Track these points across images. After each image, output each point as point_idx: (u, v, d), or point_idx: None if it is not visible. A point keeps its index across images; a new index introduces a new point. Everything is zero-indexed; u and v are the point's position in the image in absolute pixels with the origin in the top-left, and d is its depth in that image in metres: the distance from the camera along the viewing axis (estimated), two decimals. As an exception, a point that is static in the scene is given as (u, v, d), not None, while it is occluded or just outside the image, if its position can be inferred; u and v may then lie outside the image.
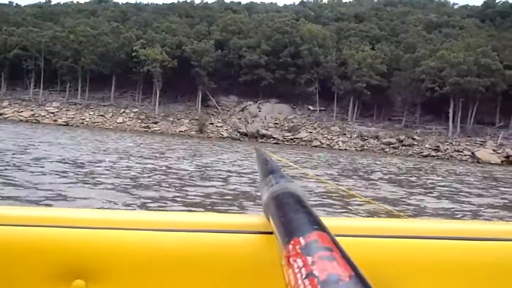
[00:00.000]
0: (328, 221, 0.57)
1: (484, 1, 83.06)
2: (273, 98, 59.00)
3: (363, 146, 50.51)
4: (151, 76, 57.01)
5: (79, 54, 58.56)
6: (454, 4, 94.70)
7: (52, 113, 55.89)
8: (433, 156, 47.15)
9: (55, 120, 53.48)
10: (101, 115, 56.68)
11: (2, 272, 0.69)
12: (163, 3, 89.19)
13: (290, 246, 0.39)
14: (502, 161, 44.02)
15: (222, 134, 53.90)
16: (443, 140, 50.69)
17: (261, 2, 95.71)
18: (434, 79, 51.83)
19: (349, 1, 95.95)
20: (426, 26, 69.34)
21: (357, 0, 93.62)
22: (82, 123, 54.04)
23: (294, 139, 52.72)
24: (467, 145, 49.03)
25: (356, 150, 48.80)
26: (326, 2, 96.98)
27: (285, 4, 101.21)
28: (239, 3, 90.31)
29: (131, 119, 56.16)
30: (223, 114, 58.95)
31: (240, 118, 57.17)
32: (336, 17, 77.72)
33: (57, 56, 59.67)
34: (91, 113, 57.06)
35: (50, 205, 6.47)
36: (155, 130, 53.48)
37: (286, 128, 55.07)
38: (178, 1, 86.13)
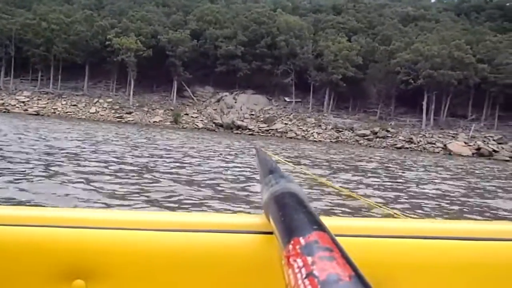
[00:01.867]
0: (328, 221, 0.57)
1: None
2: (249, 89, 58.62)
3: (338, 138, 50.63)
4: (126, 66, 56.07)
5: (51, 42, 57.02)
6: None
7: (23, 102, 54.49)
8: (407, 148, 47.60)
9: (26, 110, 52.11)
10: (74, 105, 55.51)
11: (2, 272, 0.69)
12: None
13: (290, 246, 0.39)
14: (473, 154, 44.65)
15: (197, 125, 53.42)
16: (416, 132, 51.21)
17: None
18: (408, 72, 52.19)
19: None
20: (402, 19, 69.74)
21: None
22: (54, 112, 52.86)
23: (269, 131, 52.58)
24: (439, 137, 49.60)
25: (330, 141, 48.87)
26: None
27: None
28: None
29: (104, 109, 55.16)
30: (198, 104, 58.41)
31: (215, 109, 56.75)
32: (314, 9, 77.76)
33: (29, 44, 57.98)
34: (64, 102, 55.83)
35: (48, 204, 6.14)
36: (128, 120, 52.70)
37: (262, 119, 54.87)
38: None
